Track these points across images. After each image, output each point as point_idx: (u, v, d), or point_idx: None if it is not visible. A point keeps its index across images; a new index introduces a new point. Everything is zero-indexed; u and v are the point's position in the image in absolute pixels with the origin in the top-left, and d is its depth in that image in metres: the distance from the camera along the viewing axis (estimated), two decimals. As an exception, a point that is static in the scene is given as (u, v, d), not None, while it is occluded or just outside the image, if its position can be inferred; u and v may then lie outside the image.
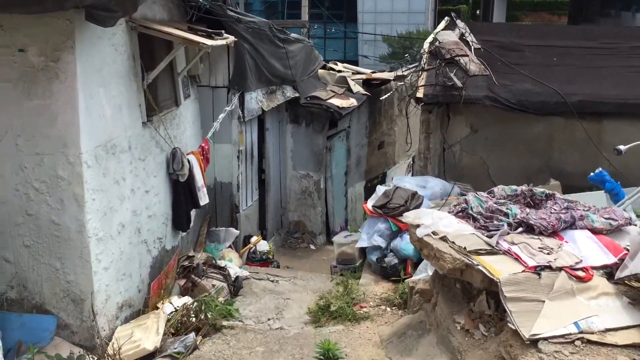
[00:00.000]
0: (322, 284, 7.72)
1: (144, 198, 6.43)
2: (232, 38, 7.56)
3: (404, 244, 7.11)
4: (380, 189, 7.82)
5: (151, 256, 6.66)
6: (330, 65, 12.68)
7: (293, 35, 10.88)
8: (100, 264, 5.43)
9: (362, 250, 8.00)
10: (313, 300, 7.02)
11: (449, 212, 5.54)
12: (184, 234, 7.69)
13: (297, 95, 10.56)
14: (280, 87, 10.12)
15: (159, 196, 6.81)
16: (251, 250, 8.98)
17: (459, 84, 7.86)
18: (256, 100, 9.22)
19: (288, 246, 11.09)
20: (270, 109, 9.66)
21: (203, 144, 7.84)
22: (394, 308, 6.46)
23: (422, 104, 8.19)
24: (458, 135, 8.67)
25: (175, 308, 6.03)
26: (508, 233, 4.79)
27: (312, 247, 11.24)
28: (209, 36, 6.85)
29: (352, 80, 11.93)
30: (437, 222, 5.21)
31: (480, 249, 4.62)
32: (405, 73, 13.19)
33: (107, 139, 5.56)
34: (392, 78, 12.17)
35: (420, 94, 8.10)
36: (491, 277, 4.28)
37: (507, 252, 4.56)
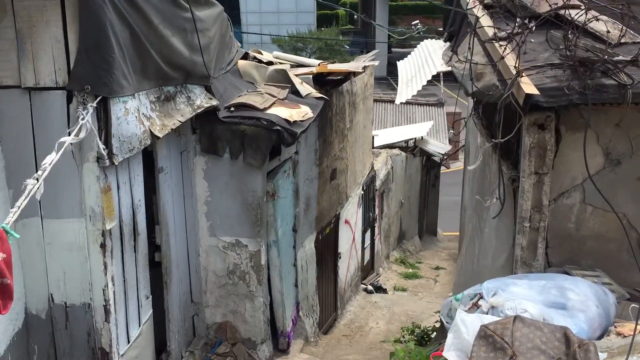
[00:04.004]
0: None
1: None
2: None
3: None
4: (469, 324, 3.13)
5: None
6: (253, 54, 7.80)
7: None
8: None
9: None
10: None
11: None
12: None
13: (213, 103, 5.65)
14: (183, 88, 5.19)
15: None
16: None
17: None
18: (138, 116, 4.24)
19: (209, 374, 6.12)
20: (166, 133, 4.71)
21: (-10, 252, 2.75)
22: None
23: (532, 108, 3.61)
24: (578, 173, 4.19)
25: None
26: None
27: (252, 367, 6.37)
28: None
29: (297, 76, 7.14)
30: None
31: None
32: (367, 63, 8.65)
33: None
34: (360, 70, 7.51)
35: (528, 87, 3.53)
36: None
37: None
